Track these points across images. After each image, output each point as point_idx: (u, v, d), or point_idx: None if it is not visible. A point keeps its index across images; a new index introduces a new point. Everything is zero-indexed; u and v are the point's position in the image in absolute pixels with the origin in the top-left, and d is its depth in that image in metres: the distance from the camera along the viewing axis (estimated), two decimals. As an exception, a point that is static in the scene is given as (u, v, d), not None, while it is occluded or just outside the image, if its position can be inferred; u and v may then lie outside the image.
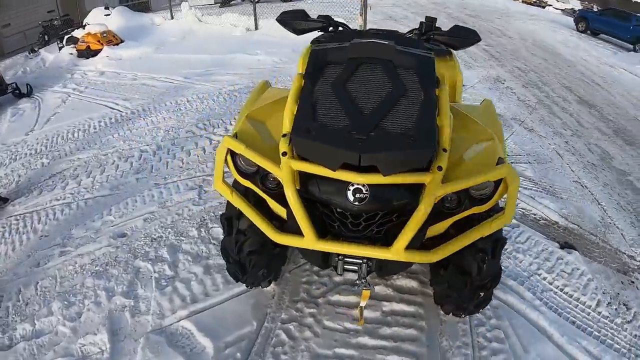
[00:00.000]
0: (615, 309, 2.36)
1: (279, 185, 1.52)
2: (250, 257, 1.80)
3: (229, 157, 1.56)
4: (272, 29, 7.58)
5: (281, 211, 1.55)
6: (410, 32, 2.17)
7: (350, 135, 1.35)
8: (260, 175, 1.54)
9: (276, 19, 2.06)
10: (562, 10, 25.59)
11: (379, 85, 1.49)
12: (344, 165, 1.33)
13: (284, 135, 1.48)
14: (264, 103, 1.82)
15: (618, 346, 2.11)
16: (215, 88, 5.07)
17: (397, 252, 1.38)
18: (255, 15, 8.50)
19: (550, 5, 26.15)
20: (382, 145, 1.34)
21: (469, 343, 1.94)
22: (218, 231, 2.54)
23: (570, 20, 17.20)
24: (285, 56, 6.44)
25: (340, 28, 2.05)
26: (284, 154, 1.42)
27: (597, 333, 2.15)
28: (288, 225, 1.52)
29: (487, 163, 1.52)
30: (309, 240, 1.40)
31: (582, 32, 16.47)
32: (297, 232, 1.43)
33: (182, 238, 2.49)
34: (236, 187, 1.64)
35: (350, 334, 1.94)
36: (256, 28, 8.51)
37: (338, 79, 1.52)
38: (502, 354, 1.90)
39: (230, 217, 1.77)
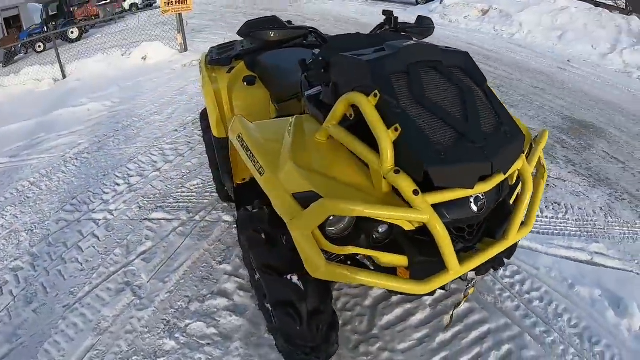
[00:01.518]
0: (553, 209, 3.00)
1: (389, 234, 1.28)
2: (328, 332, 1.55)
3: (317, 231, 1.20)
4: (82, 72, 6.58)
5: (397, 261, 1.29)
6: (380, 28, 1.90)
7: (473, 146, 1.21)
8: (362, 234, 1.25)
9: (241, 33, 1.68)
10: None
11: (446, 88, 1.33)
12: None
13: (397, 172, 1.16)
14: (283, 146, 1.43)
15: (569, 230, 2.78)
16: (56, 157, 4.08)
17: (514, 238, 1.39)
18: (60, 62, 7.23)
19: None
20: (498, 146, 1.26)
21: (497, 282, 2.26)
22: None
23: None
24: (116, 97, 5.60)
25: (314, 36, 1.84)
26: (416, 192, 1.14)
27: (556, 231, 2.74)
28: (415, 270, 1.29)
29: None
30: (455, 271, 1.24)
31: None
32: (431, 270, 1.26)
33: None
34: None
35: (427, 342, 1.94)
36: (64, 76, 7.24)
37: (414, 90, 1.28)
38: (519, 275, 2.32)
39: (292, 302, 1.43)
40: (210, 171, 3.51)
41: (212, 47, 2.94)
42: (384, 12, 1.84)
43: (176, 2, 6.30)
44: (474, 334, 1.98)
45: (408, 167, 1.16)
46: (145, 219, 2.94)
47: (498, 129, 1.31)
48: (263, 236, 1.54)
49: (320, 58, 1.53)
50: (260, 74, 2.40)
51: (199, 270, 2.43)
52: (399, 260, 1.29)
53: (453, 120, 1.25)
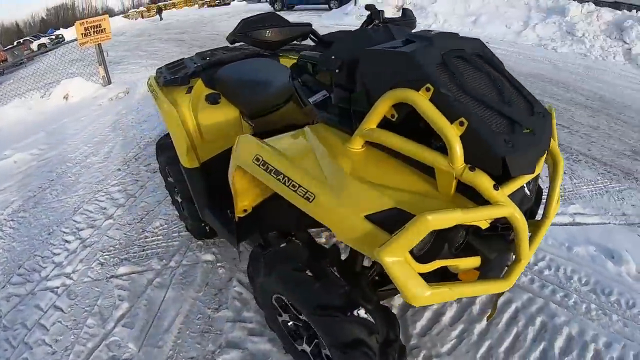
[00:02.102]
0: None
1: (465, 238, 1.16)
2: None
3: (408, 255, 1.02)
4: (0, 121, 5.78)
5: (472, 264, 1.16)
6: (369, 23, 1.71)
7: (526, 130, 1.13)
8: (445, 243, 1.10)
9: (236, 34, 1.41)
10: (246, 0, 27.58)
11: (478, 76, 1.22)
12: None
13: (472, 169, 1.02)
14: (333, 163, 1.21)
15: (544, 198, 2.80)
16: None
17: (553, 216, 1.38)
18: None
19: (233, 0, 27.82)
20: (542, 127, 1.20)
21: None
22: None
23: (269, 5, 18.59)
24: (43, 143, 4.96)
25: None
26: (496, 187, 1.02)
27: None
28: (487, 268, 1.17)
29: None
30: (527, 259, 1.18)
31: (279, 10, 18.02)
32: (499, 264, 1.24)
33: None
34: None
35: (466, 337, 1.91)
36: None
37: (457, 80, 1.14)
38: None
39: (362, 340, 1.28)
40: (172, 208, 3.19)
41: (160, 68, 2.67)
42: (367, 7, 1.69)
43: (94, 32, 5.76)
44: (506, 316, 2.02)
45: (481, 162, 1.03)
46: (112, 277, 2.55)
47: (533, 111, 1.24)
48: (309, 273, 1.34)
49: (333, 57, 1.32)
50: (224, 90, 2.19)
51: (196, 324, 2.14)
52: (474, 262, 1.15)
53: (500, 107, 1.15)
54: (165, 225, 3.05)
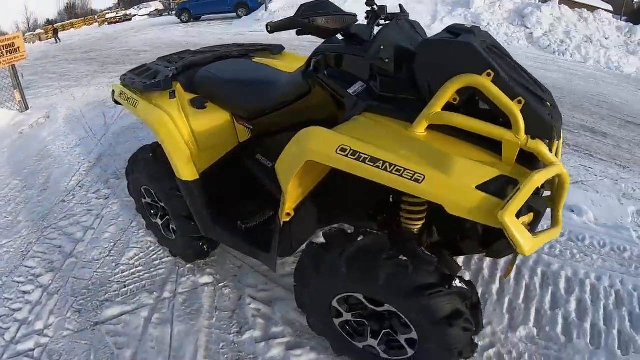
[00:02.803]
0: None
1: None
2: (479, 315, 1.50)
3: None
4: None
5: (529, 218, 1.26)
6: (376, 18, 1.57)
7: (549, 105, 1.32)
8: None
9: (297, 19, 1.41)
10: (148, 14, 26.19)
11: (506, 63, 1.34)
12: None
13: (533, 138, 1.18)
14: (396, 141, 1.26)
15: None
16: None
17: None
18: None
19: (134, 16, 26.32)
20: (554, 104, 1.37)
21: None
22: None
23: (173, 18, 17.78)
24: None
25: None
26: (550, 151, 1.22)
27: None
28: (534, 224, 1.28)
29: None
30: (561, 226, 1.36)
31: (187, 22, 17.31)
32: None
33: None
34: None
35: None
36: None
37: (500, 65, 1.24)
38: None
39: (460, 310, 1.34)
40: (144, 234, 2.78)
41: (125, 75, 2.32)
42: (367, 3, 1.59)
43: (7, 52, 4.95)
44: (513, 274, 2.24)
45: (536, 132, 1.19)
46: (98, 323, 2.12)
47: (543, 89, 1.41)
48: (403, 258, 1.34)
49: (382, 47, 1.37)
50: (210, 93, 2.05)
51: (223, 354, 1.85)
52: (529, 218, 1.25)
53: (530, 86, 1.30)
54: (142, 254, 2.63)
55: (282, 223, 1.55)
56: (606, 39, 10.48)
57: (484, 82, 1.16)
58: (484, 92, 1.17)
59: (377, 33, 1.44)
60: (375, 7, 1.56)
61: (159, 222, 2.45)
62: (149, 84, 2.05)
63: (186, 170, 1.91)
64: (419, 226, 1.59)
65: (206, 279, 2.33)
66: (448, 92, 1.20)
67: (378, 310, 1.48)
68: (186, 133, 1.94)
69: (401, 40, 1.42)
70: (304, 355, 1.77)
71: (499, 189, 1.12)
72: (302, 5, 1.43)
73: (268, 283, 2.30)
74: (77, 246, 2.79)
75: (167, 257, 2.57)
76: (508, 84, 1.18)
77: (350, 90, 1.46)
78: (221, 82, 2.02)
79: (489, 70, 1.17)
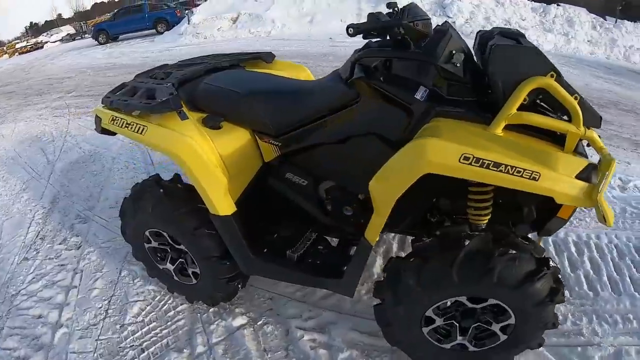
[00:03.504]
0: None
1: None
2: None
3: None
4: None
5: None
6: (398, 19, 1.49)
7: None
8: None
9: (399, 25, 1.43)
10: (60, 40, 24.19)
11: None
12: None
13: (588, 128, 1.30)
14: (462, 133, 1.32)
15: None
16: None
17: None
18: None
19: (45, 42, 24.23)
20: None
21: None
22: None
23: (90, 41, 16.56)
24: None
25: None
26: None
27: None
28: None
29: None
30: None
31: (105, 43, 16.24)
32: None
33: None
34: None
35: None
36: None
37: None
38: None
39: (556, 288, 1.47)
40: (144, 283, 2.36)
41: (107, 97, 1.97)
42: (389, 5, 1.54)
43: None
44: None
45: (590, 123, 1.30)
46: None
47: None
48: (513, 252, 1.40)
49: (453, 51, 1.42)
50: (223, 110, 1.79)
51: None
52: None
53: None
54: (149, 308, 2.22)
55: (371, 244, 1.50)
56: (523, 20, 11.11)
57: (552, 82, 1.26)
58: (552, 91, 1.27)
59: (441, 38, 1.44)
60: (397, 9, 1.52)
61: (170, 267, 2.07)
62: (155, 104, 1.68)
63: (224, 204, 1.65)
64: (486, 220, 1.58)
65: (240, 320, 2.00)
66: (522, 94, 1.27)
67: (476, 308, 1.49)
68: (214, 159, 1.66)
69: (463, 45, 1.50)
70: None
71: (590, 175, 1.26)
72: (402, 9, 1.50)
73: (312, 309, 2.05)
74: (62, 312, 2.29)
75: (182, 304, 2.18)
76: (565, 84, 1.29)
77: (417, 96, 1.44)
78: (237, 97, 1.76)
79: (552, 72, 1.28)
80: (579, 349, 1.80)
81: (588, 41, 9.96)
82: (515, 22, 10.74)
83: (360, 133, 1.58)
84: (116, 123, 1.83)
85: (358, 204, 1.72)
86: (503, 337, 1.53)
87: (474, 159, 1.23)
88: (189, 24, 14.64)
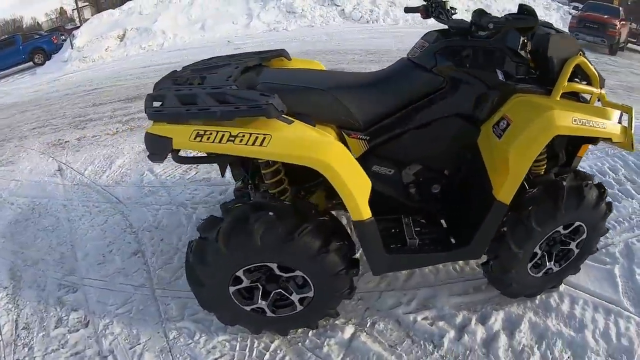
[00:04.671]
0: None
1: None
2: None
3: None
4: None
5: None
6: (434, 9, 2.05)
7: None
8: None
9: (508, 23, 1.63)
10: None
11: None
12: None
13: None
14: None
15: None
16: None
17: None
18: None
19: None
20: None
21: None
22: None
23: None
24: None
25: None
26: None
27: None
28: None
29: None
30: None
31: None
32: None
33: None
34: None
35: None
36: None
37: None
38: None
39: None
40: (216, 338, 1.84)
41: (157, 111, 1.50)
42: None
43: None
44: None
45: (602, 85, 1.73)
46: None
47: None
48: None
49: (525, 40, 1.69)
50: (309, 110, 1.67)
51: None
52: None
53: None
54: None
55: (507, 204, 1.64)
56: None
57: (584, 59, 1.66)
58: (583, 66, 1.67)
59: (510, 29, 1.67)
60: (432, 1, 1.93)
61: (263, 303, 1.71)
62: (263, 107, 1.39)
63: (366, 207, 1.57)
64: (543, 169, 1.89)
65: (349, 330, 1.90)
66: (569, 69, 1.63)
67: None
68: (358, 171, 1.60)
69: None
70: None
71: (621, 120, 1.70)
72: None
73: (406, 293, 2.12)
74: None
75: (272, 341, 1.84)
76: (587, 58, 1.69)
77: (500, 77, 1.69)
78: (319, 94, 1.68)
79: (581, 52, 1.68)
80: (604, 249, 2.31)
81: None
82: (399, 2, 11.20)
83: (445, 115, 1.73)
84: (207, 138, 1.42)
85: (445, 180, 1.87)
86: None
87: (579, 120, 1.59)
88: (72, 48, 12.99)
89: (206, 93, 1.49)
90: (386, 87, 1.78)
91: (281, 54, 2.17)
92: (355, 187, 1.52)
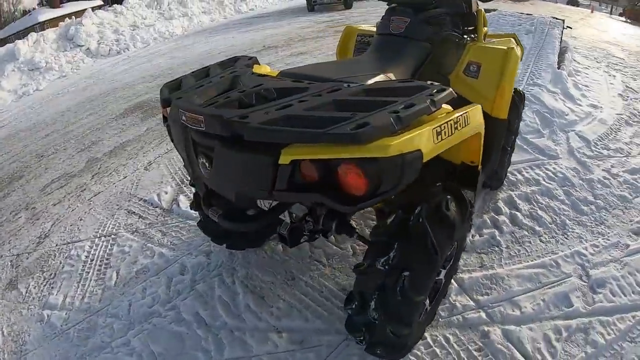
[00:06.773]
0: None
1: None
2: None
3: None
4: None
5: None
6: None
7: None
8: None
9: None
10: None
11: None
12: None
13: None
14: None
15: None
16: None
17: None
18: None
19: None
20: None
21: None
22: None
23: None
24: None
25: None
26: None
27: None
28: None
29: None
30: None
31: None
32: None
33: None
34: None
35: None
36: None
37: None
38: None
39: None
40: None
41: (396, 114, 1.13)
42: None
43: None
44: None
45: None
46: None
47: None
48: None
49: (465, 4, 2.00)
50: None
51: None
52: None
53: None
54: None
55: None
56: (144, 19, 11.46)
57: (480, 9, 2.07)
58: (481, 13, 2.04)
59: None
60: None
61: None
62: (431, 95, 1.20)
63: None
64: None
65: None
66: (482, 18, 2.04)
67: None
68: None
69: None
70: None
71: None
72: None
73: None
74: None
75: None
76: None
77: (463, 35, 2.04)
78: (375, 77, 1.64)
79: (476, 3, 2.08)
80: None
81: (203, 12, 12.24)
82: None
83: (432, 73, 1.87)
84: (445, 134, 1.23)
85: None
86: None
87: (515, 49, 1.93)
88: (18, 59, 11.38)
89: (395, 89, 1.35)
90: (401, 62, 1.77)
91: (253, 60, 1.85)
92: None
